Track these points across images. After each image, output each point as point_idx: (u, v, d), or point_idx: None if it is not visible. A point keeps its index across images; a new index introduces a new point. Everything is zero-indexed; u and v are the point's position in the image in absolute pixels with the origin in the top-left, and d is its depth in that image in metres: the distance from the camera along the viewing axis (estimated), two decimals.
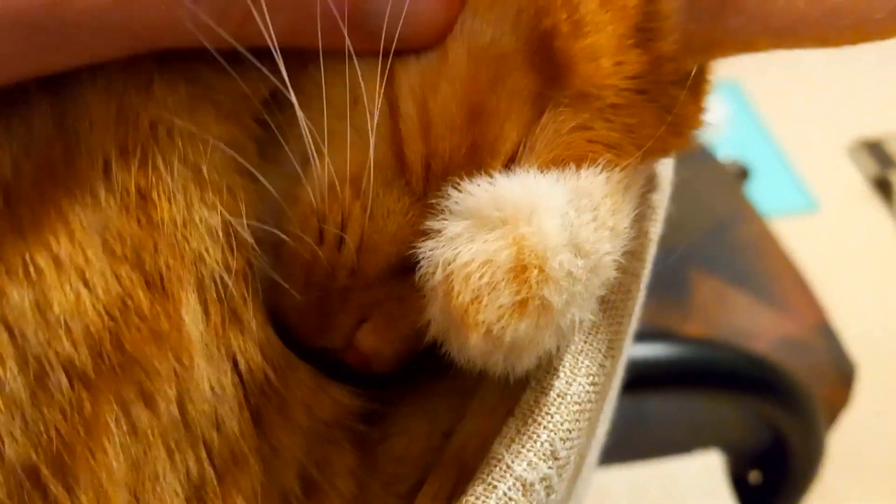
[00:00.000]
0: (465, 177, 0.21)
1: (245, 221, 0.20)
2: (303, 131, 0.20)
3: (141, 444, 0.18)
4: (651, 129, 0.22)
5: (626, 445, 0.77)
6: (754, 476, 0.87)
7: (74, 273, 0.18)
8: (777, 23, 0.22)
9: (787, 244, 0.91)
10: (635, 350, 0.70)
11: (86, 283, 0.18)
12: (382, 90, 0.21)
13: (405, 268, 0.22)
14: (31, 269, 0.18)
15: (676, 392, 0.79)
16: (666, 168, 0.26)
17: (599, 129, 0.22)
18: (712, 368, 0.74)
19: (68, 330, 0.18)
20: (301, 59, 0.20)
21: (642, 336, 0.81)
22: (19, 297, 0.17)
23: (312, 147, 0.21)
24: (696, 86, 0.24)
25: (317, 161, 0.21)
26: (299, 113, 0.20)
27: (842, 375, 0.89)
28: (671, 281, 0.88)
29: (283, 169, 0.21)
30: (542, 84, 0.21)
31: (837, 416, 0.88)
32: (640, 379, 0.69)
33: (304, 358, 0.22)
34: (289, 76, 0.20)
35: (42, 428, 0.17)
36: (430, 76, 0.21)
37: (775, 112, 1.57)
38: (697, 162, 1.08)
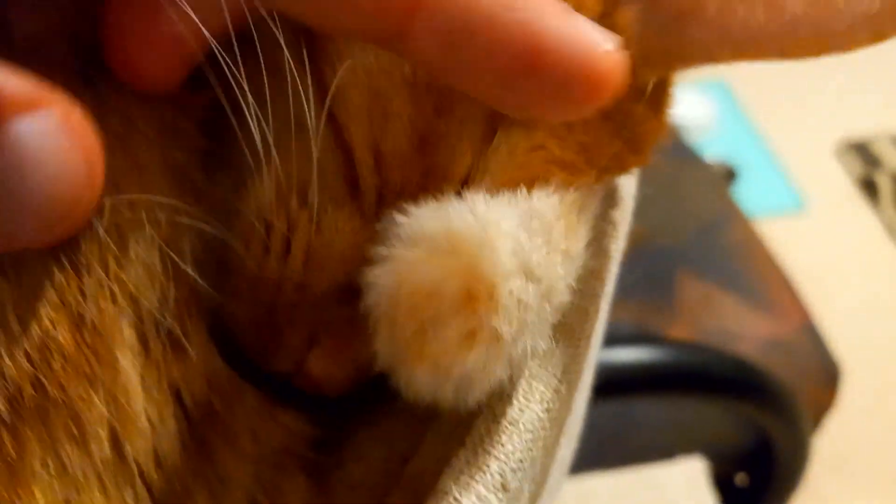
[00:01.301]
0: (416, 201, 0.20)
1: (188, 248, 0.19)
2: (254, 134, 0.20)
3: (72, 484, 0.18)
4: (607, 146, 0.22)
5: (609, 450, 0.77)
6: (740, 478, 0.87)
7: None
8: (736, 35, 0.21)
9: (773, 244, 0.91)
10: (619, 353, 0.70)
11: (2, 324, 0.17)
12: (332, 142, 0.20)
13: (355, 290, 0.21)
14: None
15: (661, 395, 0.79)
16: (628, 182, 0.26)
17: (553, 149, 0.21)
18: (697, 372, 0.74)
19: None
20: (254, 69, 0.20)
21: (627, 339, 0.81)
22: None
23: (261, 151, 0.20)
24: (655, 100, 0.23)
25: (265, 168, 0.20)
26: (251, 118, 0.19)
27: (827, 377, 0.89)
28: (656, 283, 0.88)
29: (230, 179, 0.21)
30: (489, 107, 0.21)
31: (823, 418, 0.88)
32: (625, 383, 0.69)
33: (256, 383, 0.22)
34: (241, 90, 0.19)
35: None
36: (378, 120, 0.20)
37: (763, 113, 1.57)
38: (684, 162, 1.08)
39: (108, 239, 0.18)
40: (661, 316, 0.88)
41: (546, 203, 0.20)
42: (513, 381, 0.20)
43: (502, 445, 0.19)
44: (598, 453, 0.78)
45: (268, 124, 0.20)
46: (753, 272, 0.96)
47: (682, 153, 1.08)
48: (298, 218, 0.21)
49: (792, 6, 0.20)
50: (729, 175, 1.44)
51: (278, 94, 0.20)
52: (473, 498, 0.18)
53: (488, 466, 0.19)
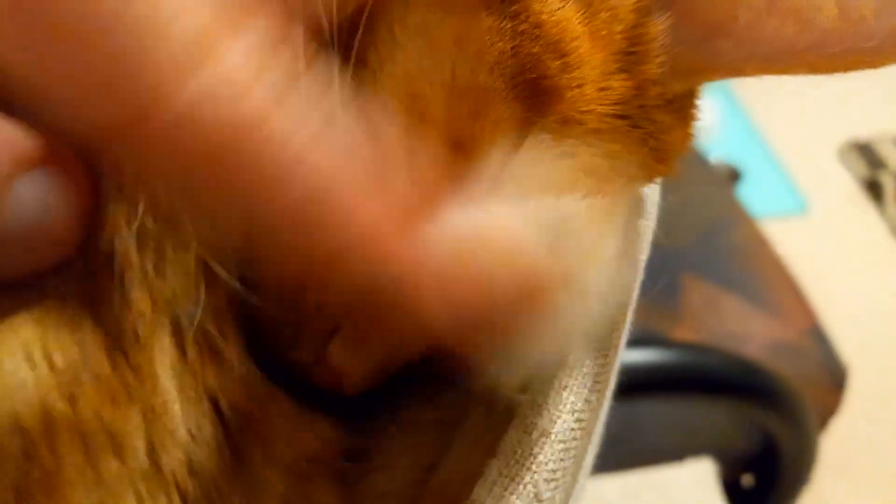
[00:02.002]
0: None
1: (223, 250, 0.20)
2: None
3: (108, 493, 0.18)
4: (635, 155, 0.22)
5: (616, 452, 0.77)
6: (747, 480, 0.87)
7: (13, 348, 0.17)
8: (766, 49, 0.21)
9: (777, 246, 0.91)
10: (625, 356, 0.70)
11: (27, 358, 0.17)
12: None
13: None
14: None
15: (668, 397, 0.79)
16: (653, 192, 0.26)
17: (582, 156, 0.21)
18: (703, 373, 0.74)
19: (10, 403, 0.17)
20: None
21: (633, 341, 0.81)
22: None
23: None
24: (682, 111, 0.24)
25: None
26: None
27: (834, 379, 0.89)
28: (662, 285, 0.88)
29: None
30: (523, 112, 0.21)
31: (829, 420, 0.89)
32: (631, 385, 0.69)
33: (288, 391, 0.22)
34: None
35: None
36: (415, 125, 0.20)
37: (766, 115, 1.57)
38: (688, 165, 1.08)
39: (144, 244, 0.18)
40: (666, 318, 0.88)
41: (577, 208, 0.20)
42: (542, 389, 0.20)
43: (535, 457, 0.19)
44: (605, 455, 0.78)
45: None
46: (758, 274, 0.96)
47: (687, 156, 1.09)
48: None
49: (822, 22, 0.20)
50: (733, 177, 1.44)
51: None
52: None
53: (521, 478, 0.19)
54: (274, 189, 0.14)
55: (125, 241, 0.18)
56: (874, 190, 1.52)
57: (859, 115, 1.57)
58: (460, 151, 0.20)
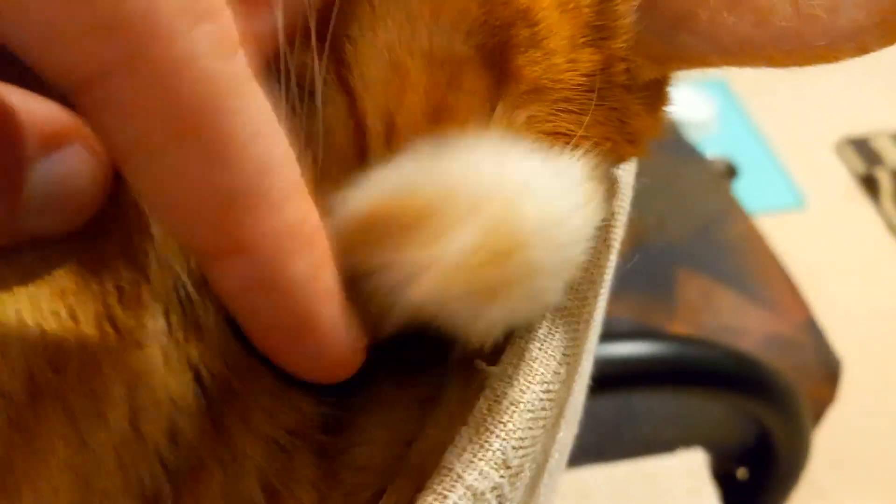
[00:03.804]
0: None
1: None
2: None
3: (90, 459, 0.18)
4: (602, 128, 0.23)
5: (610, 444, 0.77)
6: (741, 473, 0.87)
7: (10, 313, 0.18)
8: (726, 44, 0.22)
9: (774, 241, 0.92)
10: (620, 348, 0.71)
11: (16, 320, 0.18)
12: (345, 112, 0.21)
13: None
14: None
15: (662, 390, 0.79)
16: (626, 173, 0.27)
17: (553, 121, 0.22)
18: (698, 366, 0.74)
19: None
20: None
21: (628, 334, 0.82)
22: None
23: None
24: (653, 96, 0.24)
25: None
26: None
27: (828, 372, 0.89)
28: (657, 279, 0.88)
29: None
30: (495, 81, 0.22)
31: (824, 413, 0.89)
32: (626, 377, 0.70)
33: (268, 364, 0.22)
34: None
35: None
36: (395, 91, 0.21)
37: (763, 110, 1.58)
38: (684, 160, 1.08)
39: (134, 213, 0.19)
40: (662, 312, 0.88)
41: (576, 163, 0.21)
42: (514, 358, 0.21)
43: (504, 424, 0.20)
44: (598, 446, 0.78)
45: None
46: (754, 268, 0.96)
47: (683, 150, 1.09)
48: (306, 175, 0.21)
49: (777, 20, 0.21)
50: (729, 172, 1.44)
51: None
52: (476, 475, 0.19)
53: (490, 444, 0.19)
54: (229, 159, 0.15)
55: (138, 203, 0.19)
56: (870, 185, 1.52)
57: (856, 111, 1.57)
58: (439, 121, 0.21)
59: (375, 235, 0.19)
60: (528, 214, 0.19)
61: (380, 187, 0.20)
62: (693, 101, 1.43)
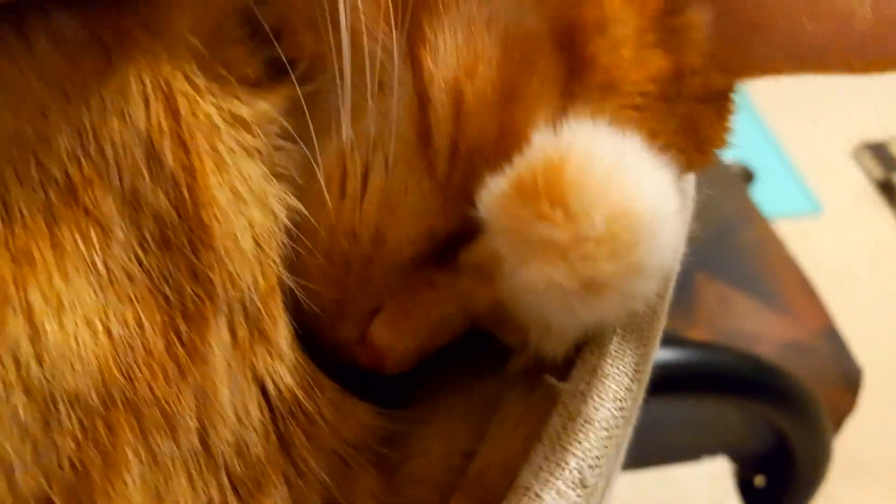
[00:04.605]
0: (490, 162, 0.21)
1: (278, 236, 0.20)
2: (339, 91, 0.20)
3: (161, 473, 0.18)
4: (673, 137, 0.22)
5: (630, 451, 0.77)
6: (759, 480, 0.87)
7: (74, 314, 0.17)
8: (804, 51, 0.22)
9: (790, 246, 0.91)
10: None
11: (88, 324, 0.17)
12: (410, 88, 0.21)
13: (419, 264, 0.22)
14: (24, 301, 0.17)
15: (681, 396, 0.79)
16: (689, 185, 0.26)
17: (624, 123, 0.22)
18: (717, 372, 0.74)
19: (70, 367, 0.17)
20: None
21: None
22: (14, 328, 0.17)
23: (347, 105, 0.20)
24: (721, 104, 0.24)
25: (343, 123, 0.21)
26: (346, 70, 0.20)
27: (847, 379, 0.89)
28: (675, 285, 0.88)
29: (302, 150, 0.21)
30: (566, 73, 0.21)
31: (843, 421, 0.88)
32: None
33: (328, 374, 0.22)
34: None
35: (54, 458, 0.17)
36: (466, 62, 0.21)
37: (779, 114, 1.57)
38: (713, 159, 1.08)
39: (200, 229, 0.19)
40: (680, 318, 0.88)
41: (669, 169, 0.21)
42: (584, 378, 0.21)
43: (579, 443, 0.19)
44: None
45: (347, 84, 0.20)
46: (771, 274, 0.96)
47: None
48: (373, 161, 0.21)
49: (860, 24, 0.21)
50: (746, 177, 1.44)
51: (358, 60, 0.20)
52: (553, 494, 0.19)
53: (567, 463, 0.19)
54: None
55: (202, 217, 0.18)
56: (887, 190, 1.51)
57: (873, 116, 1.56)
58: (508, 101, 0.21)
59: (531, 195, 0.19)
60: (643, 211, 0.19)
61: (539, 152, 0.20)
62: None
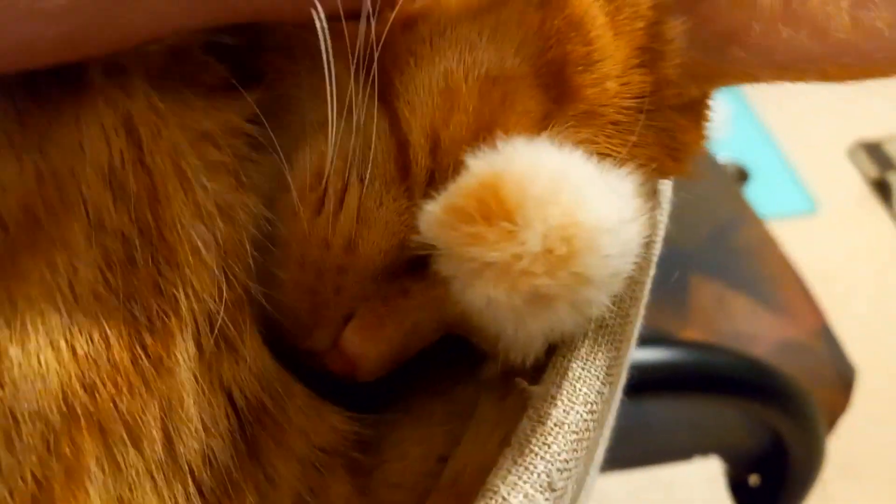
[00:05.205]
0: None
1: (244, 248, 0.20)
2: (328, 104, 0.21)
3: (126, 483, 0.18)
4: (650, 148, 0.22)
5: (624, 450, 0.77)
6: (753, 479, 0.86)
7: (37, 334, 0.18)
8: (780, 58, 0.22)
9: (786, 246, 0.91)
10: (634, 354, 0.70)
11: (52, 344, 0.18)
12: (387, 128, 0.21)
13: (392, 273, 0.22)
14: None
15: (676, 396, 0.79)
16: (665, 188, 0.26)
17: (602, 143, 0.22)
18: (712, 372, 0.74)
19: (31, 387, 0.17)
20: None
21: (641, 340, 0.81)
22: None
23: (333, 120, 0.21)
24: (697, 112, 0.24)
25: (320, 138, 0.21)
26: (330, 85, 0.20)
27: (842, 379, 0.89)
28: (670, 285, 0.88)
29: (273, 162, 0.22)
30: (548, 104, 0.22)
31: (837, 420, 0.88)
32: (639, 383, 0.69)
33: (300, 379, 0.22)
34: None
35: (17, 473, 0.17)
36: (443, 113, 0.21)
37: (775, 113, 1.57)
38: (697, 164, 1.08)
39: (164, 246, 0.19)
40: (675, 318, 0.88)
41: (625, 180, 0.21)
42: (558, 370, 0.21)
43: (548, 446, 0.19)
44: (613, 453, 0.78)
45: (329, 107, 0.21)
46: (767, 274, 0.95)
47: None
48: (350, 177, 0.22)
49: (836, 32, 0.20)
50: (742, 176, 1.44)
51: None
52: (521, 497, 0.19)
53: (535, 466, 0.19)
54: None
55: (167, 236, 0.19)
56: (883, 190, 1.51)
57: (869, 115, 1.56)
58: (486, 139, 0.21)
59: (464, 216, 0.19)
60: (582, 224, 0.19)
61: (473, 174, 0.20)
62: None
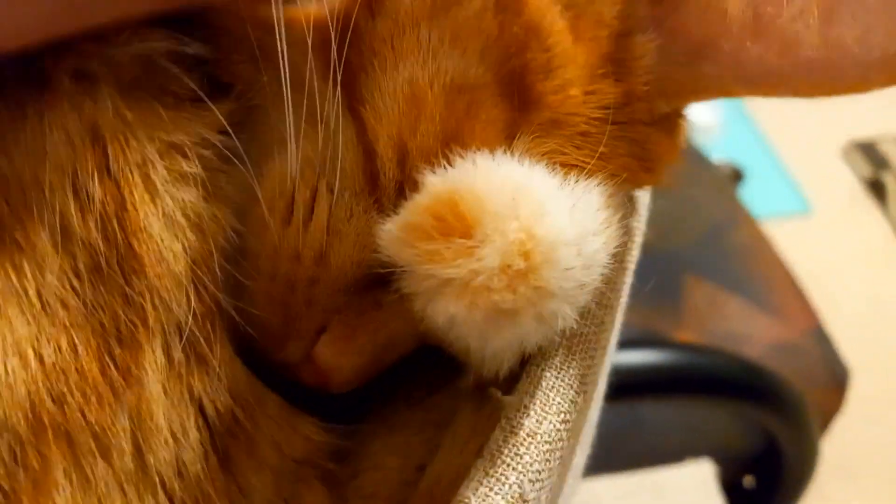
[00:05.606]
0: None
1: (213, 259, 0.20)
2: (286, 114, 0.21)
3: (94, 495, 0.18)
4: (622, 159, 0.22)
5: (617, 452, 0.77)
6: (748, 481, 0.86)
7: (4, 343, 0.17)
8: (750, 74, 0.22)
9: (780, 247, 0.91)
10: (627, 356, 0.70)
11: (19, 353, 0.17)
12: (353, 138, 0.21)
13: (365, 285, 0.22)
14: None
15: (669, 398, 0.79)
16: (643, 194, 0.26)
17: (571, 154, 0.22)
18: (705, 374, 0.74)
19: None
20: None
21: (634, 342, 0.81)
22: None
23: (292, 129, 0.21)
24: (669, 125, 0.24)
25: (290, 148, 0.21)
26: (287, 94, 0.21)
27: (835, 380, 0.89)
28: (663, 286, 0.88)
29: (242, 172, 0.21)
30: (512, 112, 0.22)
31: (831, 421, 0.88)
32: (632, 386, 0.69)
33: (274, 389, 0.22)
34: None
35: None
36: (409, 121, 0.21)
37: (769, 114, 1.57)
38: (691, 165, 1.07)
39: (132, 258, 0.19)
40: (668, 319, 0.88)
41: (591, 192, 0.21)
42: (531, 379, 0.21)
43: (521, 457, 0.19)
44: (605, 456, 0.78)
45: (293, 115, 0.21)
46: (760, 275, 0.95)
47: (688, 155, 1.08)
48: (320, 186, 0.21)
49: (806, 49, 0.20)
50: (735, 177, 1.44)
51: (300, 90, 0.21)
52: None
53: (507, 478, 0.19)
54: None
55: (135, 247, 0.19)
56: (877, 190, 1.51)
57: (863, 115, 1.56)
58: (456, 145, 0.21)
59: (421, 234, 0.19)
60: (541, 238, 0.18)
61: (430, 191, 0.20)
62: (698, 105, 1.41)
